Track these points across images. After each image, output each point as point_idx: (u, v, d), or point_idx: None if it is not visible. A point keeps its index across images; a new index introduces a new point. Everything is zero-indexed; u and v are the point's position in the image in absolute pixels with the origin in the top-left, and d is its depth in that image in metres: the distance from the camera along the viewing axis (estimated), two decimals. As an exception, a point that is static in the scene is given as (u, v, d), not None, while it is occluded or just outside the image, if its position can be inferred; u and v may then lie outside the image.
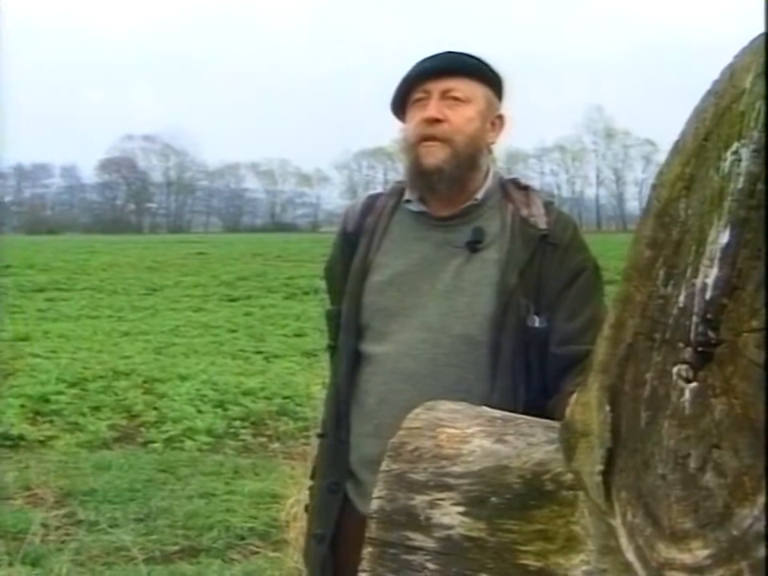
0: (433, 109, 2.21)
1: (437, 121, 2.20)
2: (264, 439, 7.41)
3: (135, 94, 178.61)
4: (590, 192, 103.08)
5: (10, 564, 4.34)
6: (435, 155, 2.19)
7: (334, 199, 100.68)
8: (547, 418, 1.25)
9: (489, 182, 2.27)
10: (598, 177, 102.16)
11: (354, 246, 2.32)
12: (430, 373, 2.15)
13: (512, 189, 2.29)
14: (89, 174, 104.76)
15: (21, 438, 7.17)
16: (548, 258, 2.17)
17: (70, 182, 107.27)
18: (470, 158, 2.21)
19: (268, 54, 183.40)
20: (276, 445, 7.20)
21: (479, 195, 2.25)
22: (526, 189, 2.30)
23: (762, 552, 0.59)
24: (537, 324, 2.13)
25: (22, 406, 8.05)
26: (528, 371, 2.12)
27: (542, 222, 2.20)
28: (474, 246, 2.20)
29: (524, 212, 2.22)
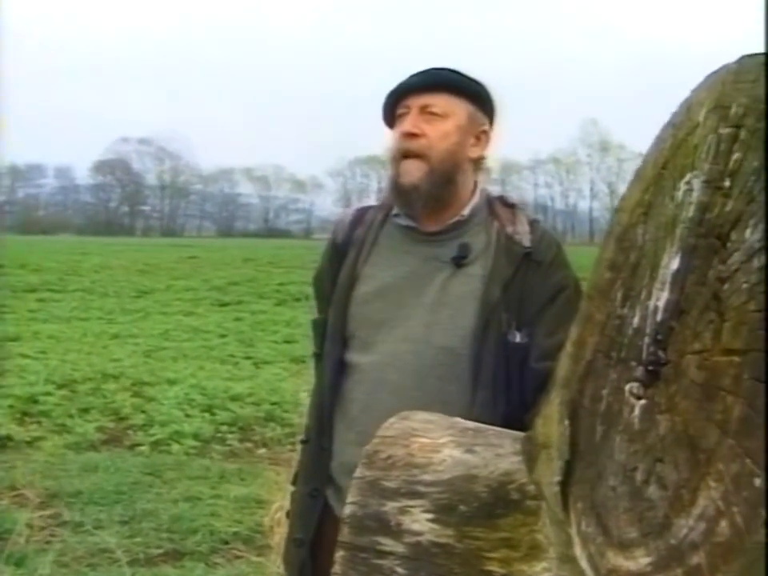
0: (408, 124, 2.24)
1: (414, 135, 2.23)
2: (251, 445, 7.42)
3: (131, 97, 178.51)
4: (584, 204, 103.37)
5: (-6, 564, 4.36)
6: (412, 174, 2.22)
7: (328, 206, 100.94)
8: (526, 431, 1.28)
9: (476, 199, 2.30)
10: (591, 189, 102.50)
11: (342, 257, 2.35)
12: (412, 383, 2.17)
13: (498, 206, 2.32)
14: (83, 175, 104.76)
15: (8, 438, 7.16)
16: (531, 275, 2.20)
17: (63, 182, 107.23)
18: (446, 173, 2.23)
19: (265, 59, 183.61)
20: (262, 450, 7.22)
21: (466, 211, 2.28)
22: (512, 206, 2.32)
23: (695, 560, 0.63)
24: (518, 339, 2.16)
25: (11, 406, 8.05)
26: (508, 385, 2.15)
27: (526, 239, 2.23)
28: (460, 261, 2.23)
29: (509, 229, 2.25)
